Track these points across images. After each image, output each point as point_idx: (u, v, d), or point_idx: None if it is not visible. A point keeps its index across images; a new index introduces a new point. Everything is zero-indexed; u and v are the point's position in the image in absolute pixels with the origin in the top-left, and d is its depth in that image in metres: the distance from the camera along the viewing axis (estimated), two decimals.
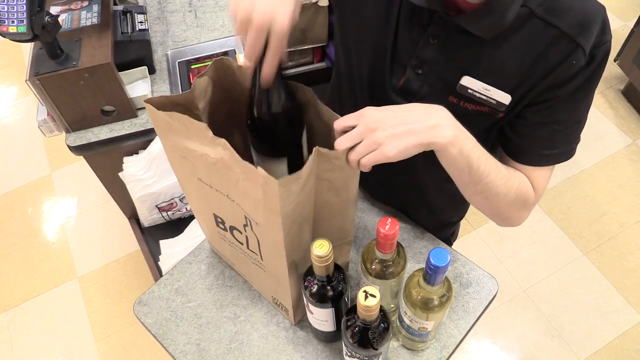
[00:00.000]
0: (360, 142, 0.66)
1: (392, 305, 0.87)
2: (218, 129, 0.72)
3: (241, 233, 0.82)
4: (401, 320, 0.82)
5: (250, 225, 0.75)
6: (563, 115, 0.76)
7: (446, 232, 1.17)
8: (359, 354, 0.73)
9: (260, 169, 0.61)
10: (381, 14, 0.79)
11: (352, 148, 0.66)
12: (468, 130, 0.71)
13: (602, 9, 0.70)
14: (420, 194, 1.00)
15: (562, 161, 0.81)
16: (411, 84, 0.81)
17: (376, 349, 0.72)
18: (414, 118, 0.67)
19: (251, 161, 0.63)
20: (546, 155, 0.80)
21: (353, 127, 0.67)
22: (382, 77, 0.84)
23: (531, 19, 0.69)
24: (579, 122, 0.79)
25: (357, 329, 0.71)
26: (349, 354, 0.76)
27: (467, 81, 0.76)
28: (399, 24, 0.78)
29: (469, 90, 0.76)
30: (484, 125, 0.81)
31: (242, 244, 0.85)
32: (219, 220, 0.85)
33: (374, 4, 0.80)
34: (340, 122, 0.68)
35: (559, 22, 0.68)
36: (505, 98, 0.75)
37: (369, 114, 0.67)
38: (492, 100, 0.76)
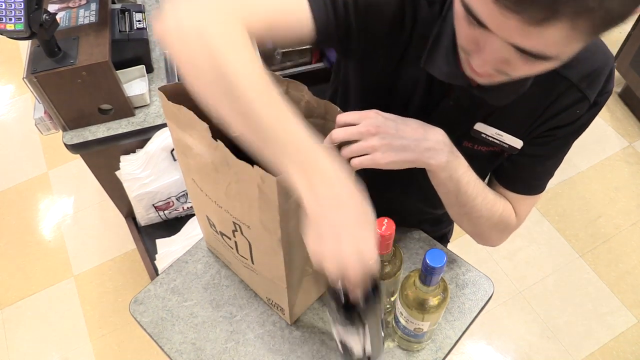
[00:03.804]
0: (356, 141, 0.67)
1: (388, 306, 0.87)
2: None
3: (230, 239, 0.82)
4: (397, 321, 0.82)
5: (240, 230, 0.75)
6: (555, 152, 0.80)
7: (441, 229, 1.17)
8: (346, 326, 0.68)
9: (257, 167, 0.61)
10: (401, 77, 0.78)
11: (346, 143, 0.67)
12: (479, 167, 0.75)
13: (612, 59, 0.72)
14: (412, 182, 1.00)
15: (542, 191, 0.84)
16: None
17: (364, 322, 0.66)
18: (413, 135, 0.69)
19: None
20: (532, 186, 0.83)
21: (353, 125, 0.68)
22: None
23: (545, 73, 0.70)
24: (563, 155, 0.82)
25: (344, 299, 0.64)
26: (336, 327, 0.70)
27: (480, 127, 0.78)
28: (428, 87, 0.77)
29: (482, 135, 0.79)
30: (495, 164, 0.84)
31: (232, 248, 0.86)
32: (211, 223, 0.85)
33: (393, 68, 0.78)
34: (342, 117, 0.69)
35: (570, 73, 0.70)
36: (517, 143, 0.78)
37: (374, 117, 0.69)
38: (504, 145, 0.79)
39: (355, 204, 0.58)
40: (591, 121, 0.76)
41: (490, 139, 0.79)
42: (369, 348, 0.72)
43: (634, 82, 2.35)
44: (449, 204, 0.81)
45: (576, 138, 0.79)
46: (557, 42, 0.50)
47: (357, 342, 0.70)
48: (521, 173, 0.82)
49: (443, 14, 0.69)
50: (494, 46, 0.55)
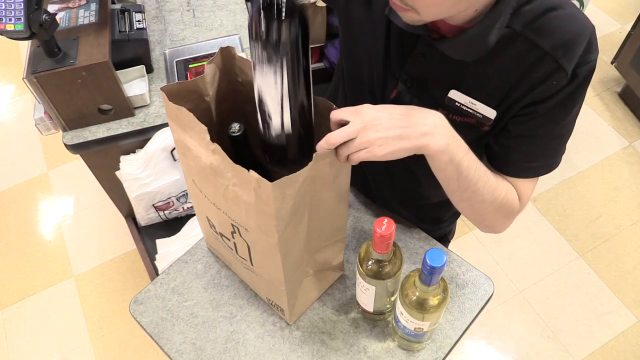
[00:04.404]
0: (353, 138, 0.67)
1: (388, 306, 0.87)
2: (225, 119, 0.73)
3: (229, 240, 0.82)
4: (397, 321, 0.82)
5: (239, 232, 0.75)
6: (542, 131, 0.78)
7: (441, 228, 1.17)
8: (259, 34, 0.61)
9: (252, 172, 0.61)
10: (371, 28, 0.82)
11: (343, 143, 0.67)
12: None
13: (590, 28, 0.71)
14: (414, 185, 1.00)
15: (544, 174, 0.82)
16: (403, 97, 0.84)
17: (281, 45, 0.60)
18: (408, 122, 0.68)
19: (246, 165, 0.63)
20: (526, 168, 0.82)
21: (348, 121, 0.68)
22: (377, 88, 0.87)
23: (517, 40, 0.71)
24: (561, 137, 0.80)
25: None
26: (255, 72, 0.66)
27: (454, 94, 0.78)
28: (390, 39, 0.80)
29: (456, 103, 0.79)
30: (472, 137, 0.83)
31: (231, 249, 0.86)
32: (211, 223, 0.85)
33: (364, 18, 0.82)
34: (337, 114, 0.69)
35: (544, 42, 0.70)
36: (490, 113, 0.77)
37: (366, 112, 0.69)
38: (478, 114, 0.78)
39: None
40: (576, 98, 0.74)
41: (464, 107, 0.78)
42: (287, 115, 0.67)
43: (634, 82, 2.35)
44: (450, 190, 0.80)
45: (564, 116, 0.76)
46: None
47: (272, 89, 0.64)
48: (512, 155, 0.81)
49: None
50: None
